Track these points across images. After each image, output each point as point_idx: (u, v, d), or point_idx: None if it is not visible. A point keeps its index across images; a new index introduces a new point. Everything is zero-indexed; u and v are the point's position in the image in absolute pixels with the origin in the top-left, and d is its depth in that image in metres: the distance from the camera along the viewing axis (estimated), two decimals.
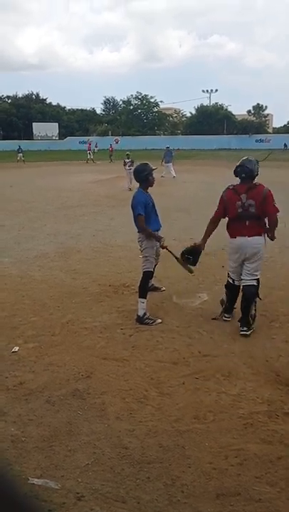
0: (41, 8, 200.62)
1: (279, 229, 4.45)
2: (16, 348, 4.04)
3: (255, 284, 4.37)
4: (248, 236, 4.28)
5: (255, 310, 4.38)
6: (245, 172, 4.34)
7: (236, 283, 4.50)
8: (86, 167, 30.46)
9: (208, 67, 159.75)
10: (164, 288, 5.48)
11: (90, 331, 4.41)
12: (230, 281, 4.55)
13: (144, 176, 4.77)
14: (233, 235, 4.40)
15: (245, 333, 4.22)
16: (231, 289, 4.57)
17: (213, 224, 4.61)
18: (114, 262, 6.85)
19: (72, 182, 20.19)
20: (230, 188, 4.41)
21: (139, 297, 4.68)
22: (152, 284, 5.23)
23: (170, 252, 4.91)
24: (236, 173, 4.41)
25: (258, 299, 4.43)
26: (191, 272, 5.00)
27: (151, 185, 4.83)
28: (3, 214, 11.71)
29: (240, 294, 4.48)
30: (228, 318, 4.59)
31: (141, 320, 4.57)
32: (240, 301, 4.43)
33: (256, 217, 4.27)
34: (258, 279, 4.40)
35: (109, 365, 3.71)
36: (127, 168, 17.40)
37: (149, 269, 4.78)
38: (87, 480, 2.45)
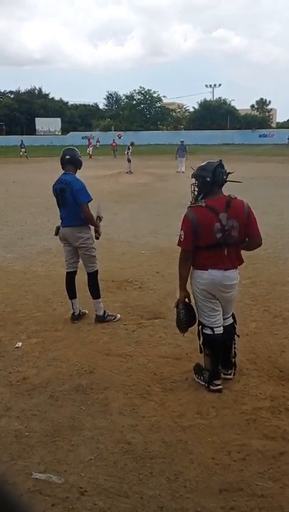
0: (46, 2, 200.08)
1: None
2: (20, 344, 4.06)
3: (232, 321, 3.48)
4: (225, 269, 3.20)
5: (235, 347, 3.50)
6: (225, 173, 3.22)
7: (218, 331, 3.30)
8: (89, 162, 30.39)
9: (213, 61, 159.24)
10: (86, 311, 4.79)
11: (93, 327, 4.41)
12: (209, 332, 3.31)
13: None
14: (202, 266, 3.22)
15: (229, 376, 3.42)
16: (213, 344, 3.32)
17: (187, 264, 3.28)
18: (117, 258, 6.84)
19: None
20: (202, 205, 3.16)
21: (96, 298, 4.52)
22: (80, 311, 4.65)
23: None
24: (217, 178, 3.19)
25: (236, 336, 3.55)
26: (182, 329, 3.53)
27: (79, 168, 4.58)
28: (6, 210, 11.73)
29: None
30: (220, 384, 3.30)
31: (102, 318, 4.50)
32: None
33: (236, 244, 3.24)
34: (233, 314, 3.50)
35: (112, 361, 3.72)
36: (130, 153, 20.87)
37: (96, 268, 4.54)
38: (90, 475, 2.46)
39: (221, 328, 3.33)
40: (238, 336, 3.57)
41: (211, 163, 3.26)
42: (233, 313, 3.50)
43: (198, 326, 3.40)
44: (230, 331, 3.45)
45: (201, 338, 3.38)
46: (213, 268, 3.19)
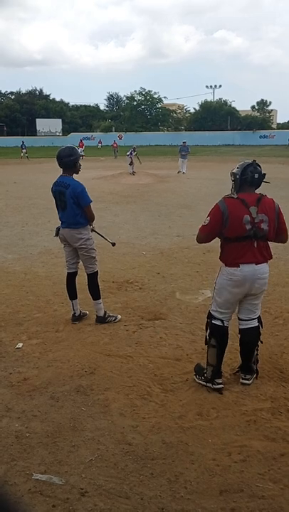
0: (47, 3, 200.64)
1: None
2: (20, 345, 4.06)
3: (257, 324, 3.44)
4: (256, 263, 3.21)
5: (258, 353, 3.48)
6: (259, 174, 3.26)
7: (227, 324, 3.36)
8: (89, 163, 30.48)
9: (214, 63, 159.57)
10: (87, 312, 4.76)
11: (94, 328, 4.42)
12: (219, 323, 3.33)
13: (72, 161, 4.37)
14: (234, 262, 3.22)
15: (246, 382, 3.38)
16: (221, 335, 3.35)
17: (203, 242, 3.41)
18: (117, 259, 6.85)
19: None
20: (234, 197, 3.23)
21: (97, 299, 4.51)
22: (80, 312, 4.65)
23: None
24: (246, 177, 3.24)
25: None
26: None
27: (77, 172, 4.49)
28: (7, 210, 11.74)
29: (240, 339, 3.48)
30: (221, 383, 3.33)
31: (103, 319, 4.50)
32: (240, 346, 3.48)
33: (266, 238, 3.27)
34: (259, 317, 3.47)
35: (112, 362, 3.72)
36: (133, 154, 20.68)
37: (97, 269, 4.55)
38: (90, 476, 2.46)
39: (228, 323, 3.37)
40: (262, 342, 3.51)
41: (243, 163, 3.35)
42: (259, 317, 3.45)
43: (208, 319, 3.41)
44: (255, 334, 3.42)
45: (208, 329, 3.38)
46: (243, 262, 3.20)
